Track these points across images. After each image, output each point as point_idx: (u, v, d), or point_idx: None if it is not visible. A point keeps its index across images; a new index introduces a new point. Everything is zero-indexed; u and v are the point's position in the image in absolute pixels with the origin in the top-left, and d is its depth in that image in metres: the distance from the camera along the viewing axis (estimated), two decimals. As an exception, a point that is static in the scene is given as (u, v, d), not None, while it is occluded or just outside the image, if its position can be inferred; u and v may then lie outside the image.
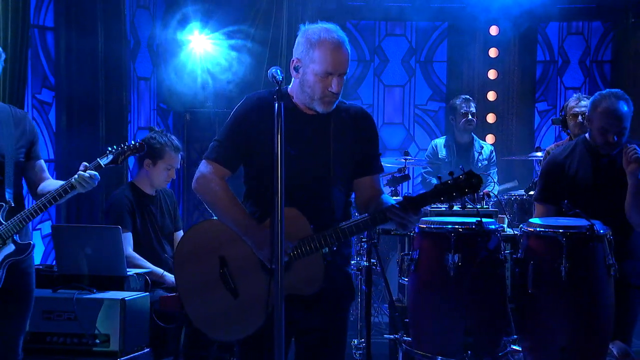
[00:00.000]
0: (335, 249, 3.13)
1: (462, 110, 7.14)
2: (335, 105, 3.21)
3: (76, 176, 3.79)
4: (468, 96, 7.35)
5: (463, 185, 2.97)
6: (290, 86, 3.28)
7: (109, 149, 4.00)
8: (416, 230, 4.25)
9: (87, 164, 3.86)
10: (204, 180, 3.23)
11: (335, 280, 3.20)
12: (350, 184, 3.30)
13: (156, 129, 5.40)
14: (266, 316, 3.08)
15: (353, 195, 3.36)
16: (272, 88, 3.18)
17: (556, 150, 4.63)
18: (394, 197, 5.57)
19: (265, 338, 3.06)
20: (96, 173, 3.84)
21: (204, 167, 3.25)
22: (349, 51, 3.18)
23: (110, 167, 4.01)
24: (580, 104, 5.45)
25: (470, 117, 7.15)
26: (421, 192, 3.05)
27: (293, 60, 3.20)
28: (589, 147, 4.34)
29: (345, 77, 3.22)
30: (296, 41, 3.21)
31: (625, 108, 4.19)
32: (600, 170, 4.28)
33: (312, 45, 3.12)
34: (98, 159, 3.92)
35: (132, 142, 4.08)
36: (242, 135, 3.21)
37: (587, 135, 4.39)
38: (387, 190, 6.43)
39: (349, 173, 3.26)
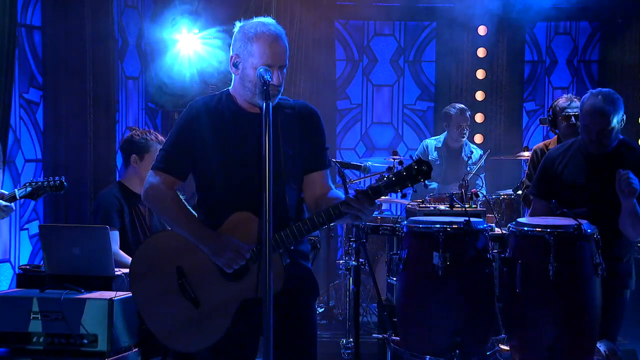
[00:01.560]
0: (292, 248, 3.10)
1: (457, 122, 7.19)
2: (277, 100, 3.15)
3: None
4: (464, 106, 7.36)
5: (415, 173, 2.94)
6: (231, 87, 3.25)
7: (31, 181, 3.94)
8: (405, 229, 4.26)
9: (5, 192, 3.81)
10: (152, 191, 3.20)
11: (297, 278, 3.16)
12: (301, 179, 3.26)
13: (138, 128, 5.42)
14: (230, 322, 3.07)
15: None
16: (215, 92, 3.22)
17: (553, 147, 4.67)
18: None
19: (231, 343, 3.08)
20: (9, 204, 3.77)
21: (152, 177, 3.21)
22: (287, 44, 3.15)
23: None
24: (572, 105, 5.46)
25: (464, 130, 7.22)
26: (375, 183, 3.03)
27: (232, 57, 3.17)
28: (581, 147, 4.37)
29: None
30: (233, 37, 3.18)
31: (609, 107, 4.19)
32: (590, 170, 4.30)
33: (250, 39, 3.10)
34: (15, 189, 3.90)
35: (53, 180, 4.04)
36: (188, 141, 3.18)
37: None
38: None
39: (299, 170, 3.23)
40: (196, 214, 3.27)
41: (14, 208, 3.80)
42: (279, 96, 3.17)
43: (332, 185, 3.32)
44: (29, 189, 3.90)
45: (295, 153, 3.18)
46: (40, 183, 3.93)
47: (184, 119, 3.22)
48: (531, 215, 4.53)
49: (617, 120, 4.25)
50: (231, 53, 3.17)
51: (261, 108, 2.96)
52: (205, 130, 3.16)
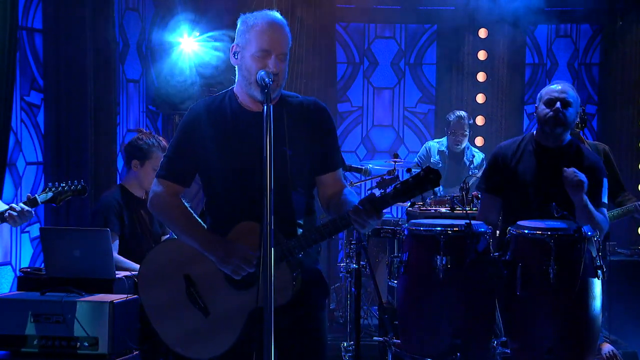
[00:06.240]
0: (300, 256, 3.05)
1: (453, 129, 7.32)
2: (280, 93, 3.07)
3: (9, 209, 3.70)
4: (462, 114, 7.41)
5: (423, 182, 2.90)
6: (235, 85, 3.19)
7: (50, 185, 3.90)
8: (405, 232, 4.26)
9: (30, 195, 3.79)
10: (157, 200, 3.17)
11: (307, 281, 3.11)
12: (311, 181, 3.19)
13: (144, 130, 5.41)
14: (240, 331, 3.04)
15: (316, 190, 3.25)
16: (217, 93, 3.17)
17: (504, 142, 4.63)
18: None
19: (242, 352, 3.05)
20: (29, 209, 3.73)
21: (156, 186, 3.18)
22: (288, 34, 3.07)
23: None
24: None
25: (460, 137, 7.31)
26: (383, 192, 3.00)
27: (233, 46, 3.10)
28: (534, 141, 4.38)
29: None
30: (236, 29, 3.12)
31: (572, 88, 4.39)
32: (541, 165, 4.31)
33: (249, 27, 3.04)
34: (36, 195, 3.83)
35: (75, 184, 4.00)
36: (189, 146, 3.13)
37: (534, 130, 4.44)
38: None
39: (307, 173, 3.15)
40: (202, 219, 3.22)
41: (33, 214, 3.75)
42: (281, 90, 3.10)
43: (344, 182, 3.25)
44: (49, 193, 3.85)
45: (302, 155, 3.10)
46: (62, 187, 3.89)
47: (184, 123, 3.18)
48: (481, 211, 4.48)
49: (575, 104, 4.32)
50: (233, 43, 3.12)
51: (262, 103, 2.88)
52: (205, 132, 3.10)
